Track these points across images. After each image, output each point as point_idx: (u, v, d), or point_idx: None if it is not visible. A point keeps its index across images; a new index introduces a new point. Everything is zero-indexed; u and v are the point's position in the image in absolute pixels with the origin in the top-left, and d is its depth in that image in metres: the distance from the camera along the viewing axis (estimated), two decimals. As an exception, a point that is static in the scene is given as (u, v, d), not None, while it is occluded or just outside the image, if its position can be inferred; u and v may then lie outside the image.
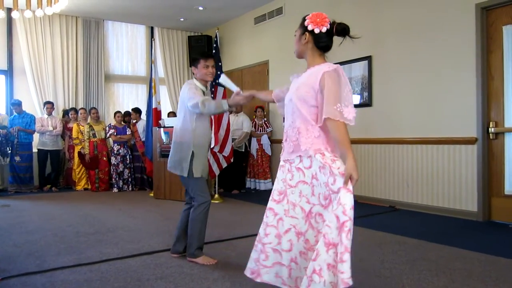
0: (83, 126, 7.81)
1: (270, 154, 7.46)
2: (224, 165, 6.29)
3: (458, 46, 4.94)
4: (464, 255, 3.42)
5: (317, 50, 2.22)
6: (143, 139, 7.66)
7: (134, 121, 8.06)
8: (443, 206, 5.10)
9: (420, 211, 5.29)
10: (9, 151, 7.30)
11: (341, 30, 2.18)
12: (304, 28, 2.23)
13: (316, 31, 2.17)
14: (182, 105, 3.31)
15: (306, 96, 2.19)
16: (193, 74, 3.40)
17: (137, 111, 8.16)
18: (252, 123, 7.45)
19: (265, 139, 7.39)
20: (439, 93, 5.15)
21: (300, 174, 2.22)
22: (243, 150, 7.32)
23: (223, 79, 3.06)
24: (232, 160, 6.35)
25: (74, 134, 7.79)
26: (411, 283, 2.78)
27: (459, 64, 4.93)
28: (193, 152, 3.24)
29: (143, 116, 8.03)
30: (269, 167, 7.48)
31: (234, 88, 2.95)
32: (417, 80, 5.39)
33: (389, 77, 5.76)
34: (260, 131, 7.44)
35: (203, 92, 3.31)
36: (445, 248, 3.63)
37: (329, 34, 2.19)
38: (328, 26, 2.18)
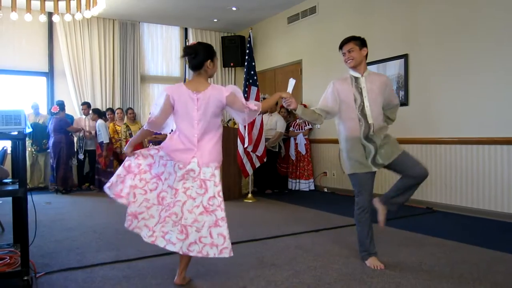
0: (119, 126, 7.99)
1: (304, 153, 7.32)
2: (257, 164, 6.30)
3: (500, 42, 4.76)
4: (506, 259, 3.30)
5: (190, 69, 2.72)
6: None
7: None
8: (483, 208, 4.94)
9: (459, 213, 5.14)
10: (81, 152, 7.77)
11: (183, 50, 2.70)
12: None
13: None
14: None
15: None
16: None
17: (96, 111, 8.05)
18: (293, 122, 7.42)
19: (299, 138, 7.32)
20: (479, 91, 4.98)
21: None
22: (277, 150, 7.30)
23: (290, 83, 3.19)
24: (265, 160, 6.35)
25: (110, 134, 7.98)
26: (452, 287, 2.70)
27: (500, 61, 4.75)
28: (340, 148, 3.22)
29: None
30: (311, 167, 7.37)
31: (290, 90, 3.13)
32: (456, 78, 5.23)
33: (426, 75, 5.61)
34: (297, 130, 7.38)
35: (355, 79, 3.11)
36: (486, 251, 3.51)
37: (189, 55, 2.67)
38: None
